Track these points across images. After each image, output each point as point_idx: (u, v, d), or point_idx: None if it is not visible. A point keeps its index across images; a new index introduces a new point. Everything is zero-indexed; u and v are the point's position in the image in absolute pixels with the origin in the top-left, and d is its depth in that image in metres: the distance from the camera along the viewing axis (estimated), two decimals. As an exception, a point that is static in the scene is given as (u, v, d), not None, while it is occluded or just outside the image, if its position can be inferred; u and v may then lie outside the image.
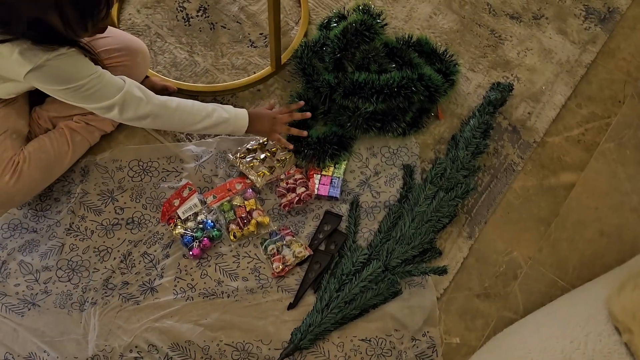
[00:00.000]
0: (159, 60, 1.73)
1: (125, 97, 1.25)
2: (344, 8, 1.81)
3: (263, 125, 1.48)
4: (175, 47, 1.76)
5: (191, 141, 1.62)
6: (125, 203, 1.53)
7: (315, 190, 1.54)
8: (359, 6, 1.73)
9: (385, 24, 1.74)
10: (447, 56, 1.71)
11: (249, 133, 1.46)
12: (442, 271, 1.43)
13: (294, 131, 1.52)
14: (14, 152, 1.36)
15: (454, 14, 1.87)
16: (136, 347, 1.38)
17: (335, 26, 1.71)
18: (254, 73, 1.72)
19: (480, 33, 1.85)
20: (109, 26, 1.53)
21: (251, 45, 1.77)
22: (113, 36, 1.47)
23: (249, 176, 1.54)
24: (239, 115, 1.42)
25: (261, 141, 1.60)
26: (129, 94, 1.26)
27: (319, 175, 1.56)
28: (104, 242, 1.48)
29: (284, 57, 1.71)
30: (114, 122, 1.56)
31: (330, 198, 1.54)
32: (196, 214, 1.51)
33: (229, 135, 1.62)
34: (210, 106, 1.39)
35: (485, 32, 1.85)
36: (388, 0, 1.88)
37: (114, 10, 1.76)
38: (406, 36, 1.72)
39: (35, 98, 1.47)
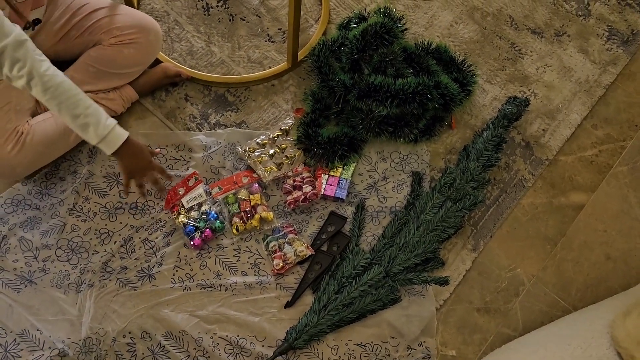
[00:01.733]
0: (175, 47, 1.72)
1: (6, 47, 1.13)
2: (365, 9, 1.80)
3: (133, 162, 1.30)
4: (193, 36, 1.75)
5: (201, 131, 1.61)
6: (130, 188, 1.51)
7: (322, 190, 1.52)
8: (380, 9, 1.72)
9: (405, 29, 1.72)
10: (465, 66, 1.69)
11: (114, 158, 1.27)
12: (444, 282, 1.41)
13: (141, 193, 1.37)
14: (18, 123, 1.35)
15: (475, 24, 1.85)
16: (129, 332, 1.36)
17: (355, 27, 1.70)
18: (270, 68, 1.71)
19: (500, 45, 1.83)
20: (125, 5, 1.54)
21: (269, 39, 1.76)
22: (127, 14, 1.48)
23: (257, 170, 1.53)
24: (115, 134, 1.23)
25: (272, 136, 1.58)
26: (11, 44, 1.13)
27: (327, 176, 1.55)
28: (106, 225, 1.47)
29: (301, 54, 1.70)
30: (125, 103, 1.56)
31: (337, 199, 1.53)
32: (200, 204, 1.49)
33: (238, 127, 1.61)
34: (95, 107, 1.21)
35: (506, 45, 1.83)
36: (410, 5, 1.87)
37: (135, -6, 1.76)
38: (425, 42, 1.70)
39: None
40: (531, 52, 1.83)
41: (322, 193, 1.52)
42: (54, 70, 1.19)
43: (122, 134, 1.24)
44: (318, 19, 1.80)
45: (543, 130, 1.70)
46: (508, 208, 1.59)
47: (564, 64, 1.82)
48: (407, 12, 1.85)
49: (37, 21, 1.41)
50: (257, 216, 1.47)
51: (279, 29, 1.78)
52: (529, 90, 1.76)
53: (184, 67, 1.67)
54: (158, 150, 1.42)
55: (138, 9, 1.75)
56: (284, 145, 1.57)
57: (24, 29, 1.24)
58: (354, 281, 1.41)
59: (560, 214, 1.60)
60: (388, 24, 1.62)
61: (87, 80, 1.48)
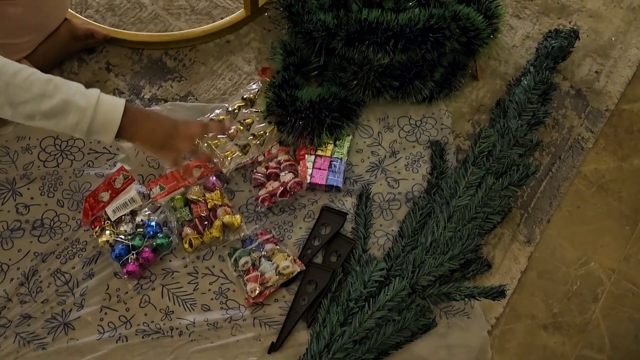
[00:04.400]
0: (89, 1, 1.25)
1: None
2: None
3: (151, 133, 0.86)
4: (114, -15, 1.28)
5: (131, 110, 1.15)
6: (32, 198, 1.05)
7: (308, 178, 1.07)
8: None
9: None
10: (487, -4, 1.25)
11: (124, 141, 0.87)
12: (499, 294, 0.96)
13: (201, 156, 0.97)
14: None
15: (488, -54, 1.41)
16: (37, 416, 0.91)
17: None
18: (222, 19, 1.25)
19: (524, -30, 1.39)
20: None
21: (218, -17, 1.30)
22: None
23: (213, 158, 1.07)
24: (105, 106, 0.81)
25: (231, 108, 1.13)
26: None
27: (313, 156, 1.10)
28: (-2, 255, 1.01)
29: (263, -3, 1.25)
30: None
31: (330, 188, 1.08)
32: (134, 213, 1.03)
33: (183, 101, 1.15)
34: (59, 81, 0.81)
35: (531, -31, 1.39)
36: None
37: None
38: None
39: None
40: (565, -25, 1.39)
41: (308, 181, 1.07)
42: None
43: (117, 102, 0.83)
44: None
45: (596, 72, 1.27)
46: (566, 180, 1.15)
47: (608, -13, 1.39)
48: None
49: None
50: (217, 223, 1.02)
51: (230, -31, 1.32)
52: (570, 22, 1.33)
53: (103, 26, 1.20)
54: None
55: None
56: (248, 120, 1.11)
57: None
58: (366, 305, 0.96)
59: (636, 181, 1.17)
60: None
61: None
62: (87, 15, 1.23)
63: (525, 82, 1.16)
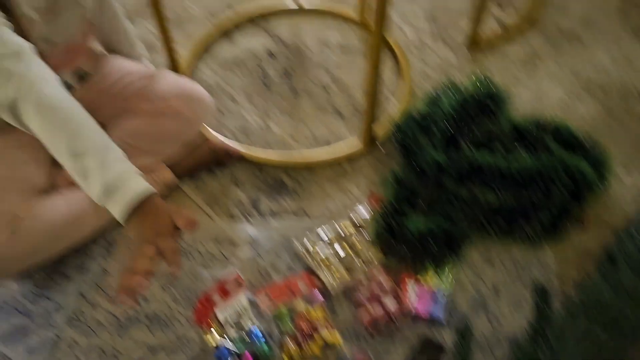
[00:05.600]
0: (226, 123, 1.43)
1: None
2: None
3: (148, 226, 0.79)
4: (247, 111, 1.46)
5: (249, 220, 1.25)
6: (151, 292, 1.14)
7: (413, 309, 1.09)
8: (477, 79, 1.38)
9: (510, 100, 1.36)
10: (596, 149, 1.29)
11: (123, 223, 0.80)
12: None
13: (170, 260, 0.79)
14: (15, 203, 1.03)
15: (595, 101, 1.48)
16: None
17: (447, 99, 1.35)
18: (338, 145, 1.37)
19: (634, 127, 1.43)
20: (170, 71, 1.29)
21: (339, 116, 1.44)
22: (170, 79, 1.21)
23: (321, 277, 1.13)
24: (132, 186, 0.78)
25: (340, 230, 1.20)
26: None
27: (416, 285, 1.12)
28: (114, 342, 1.08)
29: (379, 133, 1.36)
30: (162, 188, 1.24)
31: (431, 319, 1.09)
32: (241, 318, 1.09)
33: (295, 217, 1.24)
34: (100, 145, 0.81)
35: (640, 126, 1.43)
36: (509, 79, 1.53)
37: (187, 66, 1.51)
38: (541, 119, 1.32)
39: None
40: (677, 133, 1.41)
41: (414, 312, 1.08)
42: (60, 93, 0.82)
43: (143, 188, 0.79)
44: (396, 92, 1.48)
45: None
46: (682, 342, 1.09)
47: None
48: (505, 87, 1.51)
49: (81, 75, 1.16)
50: (318, 339, 1.05)
51: (350, 104, 1.47)
52: (683, 181, 1.33)
53: (234, 147, 1.36)
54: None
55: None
56: (356, 243, 1.17)
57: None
58: None
59: None
60: (491, 91, 1.27)
61: None
62: (222, 134, 1.40)
63: (635, 234, 1.15)
